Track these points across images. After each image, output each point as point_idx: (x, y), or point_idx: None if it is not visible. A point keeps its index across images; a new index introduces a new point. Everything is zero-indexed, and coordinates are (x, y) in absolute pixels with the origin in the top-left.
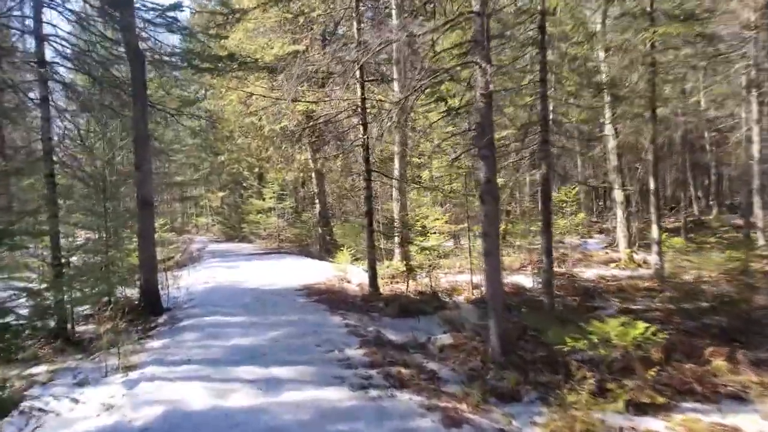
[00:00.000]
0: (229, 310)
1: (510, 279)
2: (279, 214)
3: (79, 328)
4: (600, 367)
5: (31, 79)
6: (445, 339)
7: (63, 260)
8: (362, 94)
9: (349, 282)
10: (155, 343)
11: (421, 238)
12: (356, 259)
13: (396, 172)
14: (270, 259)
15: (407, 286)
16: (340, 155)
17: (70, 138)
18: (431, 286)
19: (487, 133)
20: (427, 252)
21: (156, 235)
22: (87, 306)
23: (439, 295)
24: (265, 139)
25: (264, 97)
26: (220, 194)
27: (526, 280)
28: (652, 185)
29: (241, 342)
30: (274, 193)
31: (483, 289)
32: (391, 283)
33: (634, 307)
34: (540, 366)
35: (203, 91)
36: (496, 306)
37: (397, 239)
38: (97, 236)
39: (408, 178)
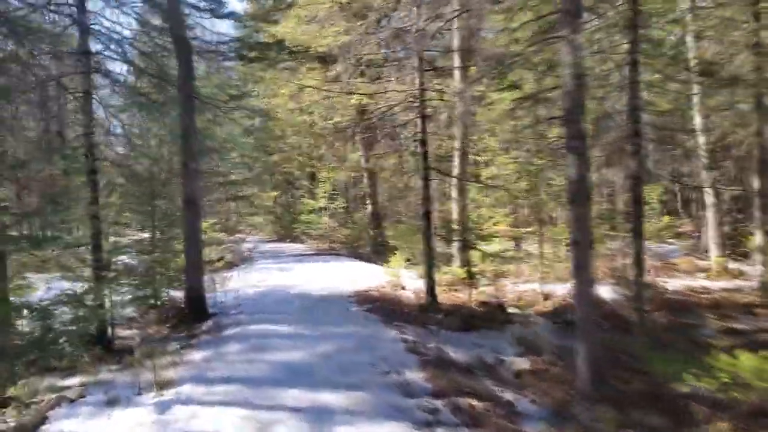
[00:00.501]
0: (277, 318)
1: (568, 286)
2: (330, 214)
3: (122, 332)
4: (728, 413)
5: (73, 72)
6: (521, 363)
7: (105, 262)
8: (421, 84)
9: (403, 288)
10: (196, 356)
11: (485, 243)
12: (410, 264)
13: (455, 171)
14: (321, 261)
15: (470, 295)
16: (394, 152)
17: (114, 134)
18: (496, 296)
19: (578, 120)
20: (492, 258)
21: (205, 236)
22: (130, 309)
23: (505, 306)
24: (317, 138)
25: (316, 89)
26: (273, 194)
27: (603, 290)
28: (756, 185)
29: (289, 357)
30: (325, 192)
31: (556, 300)
32: (450, 291)
33: (738, 326)
34: (641, 403)
35: (254, 89)
36: (587, 328)
37: (456, 243)
38: (146, 236)
39: (469, 176)
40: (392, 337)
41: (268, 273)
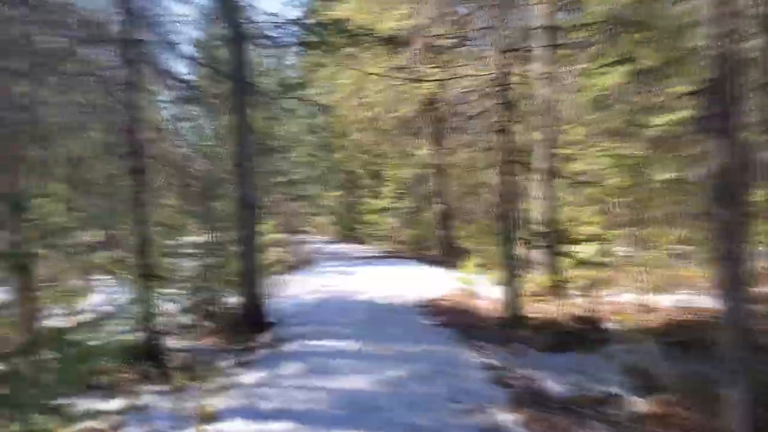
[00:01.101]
0: (339, 331)
1: (675, 297)
2: (395, 214)
3: (174, 343)
4: None
5: (116, 62)
6: (639, 403)
7: (152, 268)
8: (502, 66)
9: (477, 297)
10: (248, 378)
11: (577, 247)
12: (485, 269)
13: (538, 164)
14: (386, 265)
15: (562, 308)
16: (466, 147)
17: (163, 129)
18: (591, 309)
19: (724, 93)
20: (583, 264)
21: (265, 238)
22: (185, 317)
23: (602, 321)
24: (381, 134)
25: (380, 76)
26: (336, 193)
27: (698, 299)
28: None
29: (352, 385)
30: (389, 192)
31: (661, 315)
32: (534, 302)
33: None
34: None
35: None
36: (741, 360)
37: (539, 247)
38: (202, 239)
39: (555, 171)
40: (472, 360)
41: (330, 277)
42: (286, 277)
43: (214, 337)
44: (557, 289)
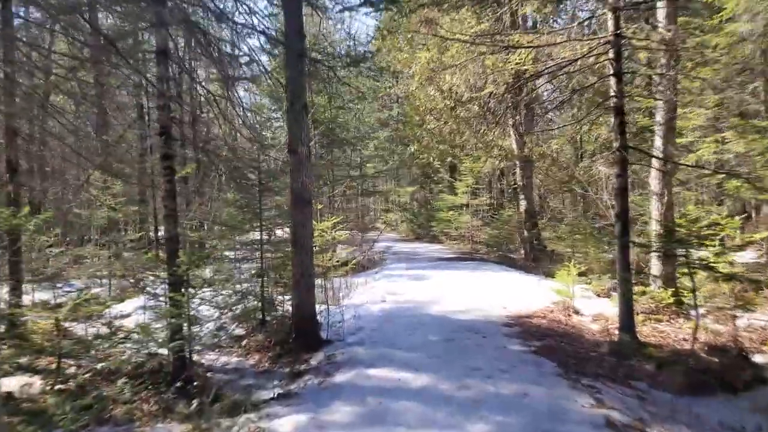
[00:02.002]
0: (407, 357)
1: None
2: (473, 211)
3: (211, 359)
4: None
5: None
6: None
7: (183, 275)
8: (616, 29)
9: (577, 313)
10: (285, 422)
11: (706, 254)
12: (585, 278)
13: (658, 152)
14: (463, 269)
15: (693, 334)
16: (562, 133)
17: (199, 106)
18: (732, 336)
19: None
20: (717, 276)
21: (325, 236)
22: (224, 331)
23: (748, 353)
24: (460, 122)
25: (464, 42)
26: (410, 189)
27: None
28: None
29: None
30: (467, 186)
31: None
32: (649, 321)
33: None
34: None
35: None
36: None
37: (656, 254)
38: (257, 237)
39: (675, 160)
40: (584, 410)
41: (399, 282)
42: (350, 280)
43: (260, 353)
44: (679, 306)
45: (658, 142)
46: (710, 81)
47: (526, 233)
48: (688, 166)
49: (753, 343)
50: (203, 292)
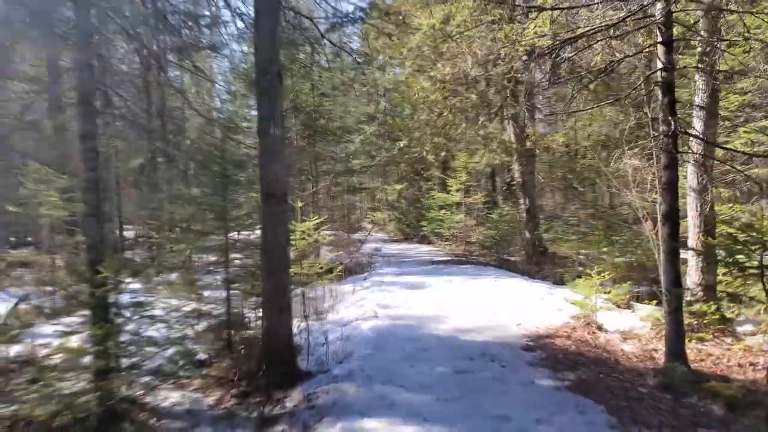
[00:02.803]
0: (410, 401)
1: None
2: (466, 210)
3: (161, 397)
4: None
5: None
6: None
7: (109, 294)
8: None
9: (602, 330)
10: None
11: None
12: (603, 287)
13: (695, 141)
14: (462, 274)
15: (765, 362)
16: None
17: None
18: None
19: None
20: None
21: (306, 240)
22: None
23: None
24: (455, 113)
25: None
26: (398, 186)
27: None
28: None
29: None
30: (461, 184)
31: None
32: (691, 340)
33: None
34: None
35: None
36: None
37: (696, 261)
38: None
39: (713, 149)
40: None
41: (393, 292)
42: (335, 289)
43: (222, 388)
44: (724, 323)
45: (698, 127)
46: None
47: (528, 234)
48: (754, 155)
49: None
50: (146, 311)
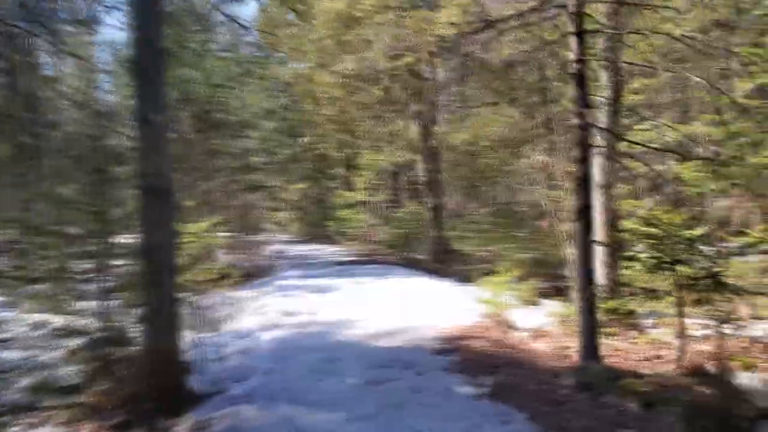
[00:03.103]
0: (320, 423)
1: None
2: (371, 209)
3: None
4: None
5: None
6: None
7: None
8: None
9: (514, 328)
10: None
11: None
12: (509, 284)
13: (600, 134)
14: (369, 275)
15: (678, 362)
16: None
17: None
18: (719, 356)
19: None
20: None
21: (197, 244)
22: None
23: (731, 379)
24: (360, 108)
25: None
26: (301, 186)
27: None
28: None
29: None
30: (366, 182)
31: None
32: (600, 336)
33: None
34: None
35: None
36: None
37: (601, 257)
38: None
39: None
40: None
41: (297, 297)
42: (234, 296)
43: (98, 418)
44: (628, 317)
45: (604, 121)
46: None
47: (433, 232)
48: (659, 150)
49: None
50: None
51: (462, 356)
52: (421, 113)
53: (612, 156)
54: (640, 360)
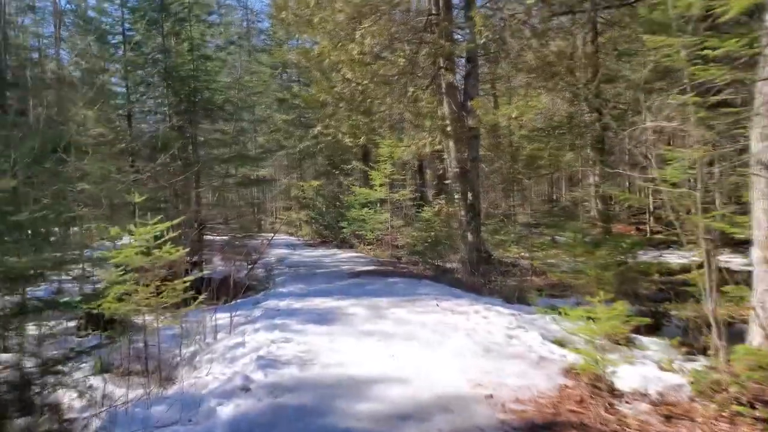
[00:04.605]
0: None
1: None
2: (393, 208)
3: None
4: None
5: None
6: None
7: None
8: None
9: (614, 394)
10: None
11: None
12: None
13: None
14: (390, 293)
15: None
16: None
17: None
18: None
19: None
20: None
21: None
22: None
23: None
24: (378, 83)
25: None
26: (315, 183)
27: None
28: None
29: None
30: (386, 177)
31: None
32: None
33: None
34: None
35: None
36: None
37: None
38: None
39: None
40: None
41: (290, 328)
42: (205, 324)
43: None
44: None
45: None
46: None
47: (471, 237)
48: None
49: None
50: None
51: None
52: (453, 86)
53: None
54: None
